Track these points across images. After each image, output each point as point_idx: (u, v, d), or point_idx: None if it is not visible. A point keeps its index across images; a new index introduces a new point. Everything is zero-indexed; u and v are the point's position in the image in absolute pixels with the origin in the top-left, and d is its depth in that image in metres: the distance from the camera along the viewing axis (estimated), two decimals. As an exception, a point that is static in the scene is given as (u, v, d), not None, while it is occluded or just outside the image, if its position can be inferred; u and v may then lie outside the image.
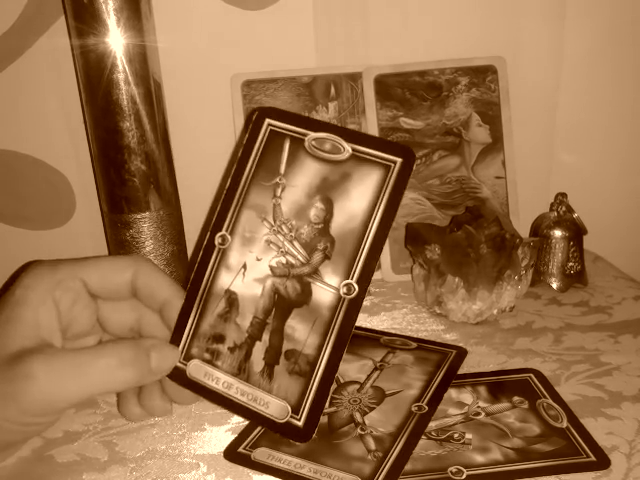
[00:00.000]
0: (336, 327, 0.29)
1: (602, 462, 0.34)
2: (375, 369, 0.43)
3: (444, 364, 0.44)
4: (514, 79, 0.60)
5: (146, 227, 0.48)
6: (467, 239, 0.49)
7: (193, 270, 0.33)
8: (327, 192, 0.30)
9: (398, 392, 0.40)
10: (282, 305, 0.30)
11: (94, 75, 0.45)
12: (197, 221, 0.58)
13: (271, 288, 0.31)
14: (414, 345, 0.47)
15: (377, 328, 0.50)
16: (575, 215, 0.56)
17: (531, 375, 0.42)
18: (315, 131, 0.30)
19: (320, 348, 0.30)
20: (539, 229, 0.56)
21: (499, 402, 0.39)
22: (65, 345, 0.31)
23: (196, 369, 0.32)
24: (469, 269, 0.48)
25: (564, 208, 0.56)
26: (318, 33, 0.57)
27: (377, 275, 0.59)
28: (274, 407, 0.31)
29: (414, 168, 0.29)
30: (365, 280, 0.29)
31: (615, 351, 0.45)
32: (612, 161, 0.65)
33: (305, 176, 0.30)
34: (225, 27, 0.56)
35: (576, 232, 0.55)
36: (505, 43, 0.60)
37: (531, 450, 0.35)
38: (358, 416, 0.38)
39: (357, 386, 0.41)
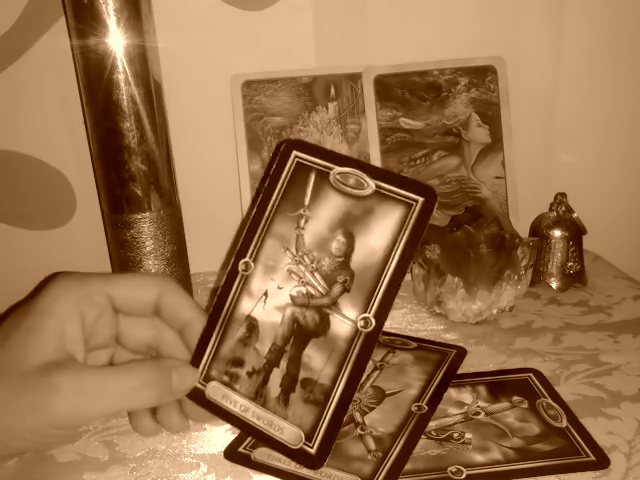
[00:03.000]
0: (352, 359, 0.30)
1: (602, 462, 0.34)
2: (375, 369, 0.43)
3: (444, 364, 0.44)
4: (514, 79, 0.60)
5: (146, 227, 0.48)
6: (467, 239, 0.49)
7: (216, 294, 0.34)
8: (349, 226, 0.31)
9: (398, 392, 0.40)
10: (300, 334, 0.31)
11: (94, 75, 0.45)
12: (197, 221, 0.58)
13: (290, 317, 0.31)
14: (414, 345, 0.47)
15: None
16: (574, 215, 0.56)
17: (531, 375, 0.42)
18: (340, 165, 0.31)
19: (335, 379, 0.30)
20: (539, 229, 0.56)
21: (499, 402, 0.39)
22: (85, 356, 0.31)
23: (214, 390, 0.33)
24: (469, 269, 0.49)
25: (563, 208, 0.56)
26: (318, 33, 0.57)
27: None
28: (288, 433, 0.31)
29: (435, 208, 0.30)
30: (382, 315, 0.30)
31: (615, 351, 0.45)
32: (612, 161, 0.65)
33: (328, 209, 0.31)
34: (225, 27, 0.56)
35: (575, 232, 0.56)
36: (505, 43, 0.60)
37: (531, 450, 0.35)
38: (358, 416, 0.38)
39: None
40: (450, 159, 0.60)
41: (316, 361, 0.31)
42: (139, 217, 0.48)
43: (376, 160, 0.59)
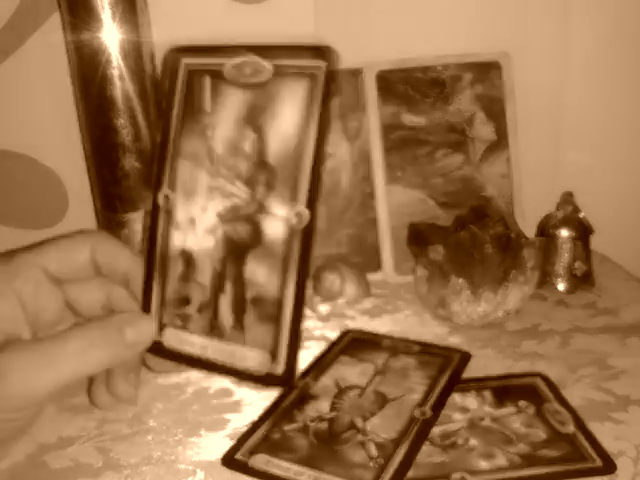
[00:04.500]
0: (294, 261, 0.28)
1: (608, 467, 0.33)
2: (377, 373, 0.43)
3: (448, 368, 0.43)
4: (519, 75, 0.59)
5: (140, 226, 0.48)
6: (471, 239, 0.48)
7: (145, 237, 0.31)
8: (257, 119, 0.28)
9: (400, 397, 0.40)
10: (237, 251, 0.29)
11: (88, 71, 0.45)
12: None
13: (222, 236, 0.29)
14: (417, 349, 0.46)
15: (379, 331, 0.49)
16: (582, 215, 0.55)
17: (537, 379, 0.42)
18: (232, 57, 0.28)
19: (283, 287, 0.28)
20: (545, 229, 0.56)
21: (504, 407, 0.39)
22: (39, 335, 0.30)
23: (171, 337, 0.31)
24: (474, 270, 0.48)
25: (571, 207, 0.55)
26: (319, 28, 0.57)
27: (379, 276, 0.59)
28: (252, 359, 0.29)
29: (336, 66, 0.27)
30: (313, 202, 0.27)
31: (623, 354, 0.45)
32: (620, 159, 0.65)
33: (232, 109, 0.28)
34: (224, 21, 0.55)
35: (583, 232, 0.55)
36: (510, 38, 0.59)
37: (537, 456, 0.34)
38: (359, 422, 0.37)
39: (358, 391, 0.41)
40: (454, 157, 0.59)
41: (259, 274, 0.28)
42: (133, 216, 0.47)
43: (378, 158, 0.58)
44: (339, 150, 0.59)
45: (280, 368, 0.28)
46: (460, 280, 0.49)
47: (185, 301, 0.30)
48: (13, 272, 0.30)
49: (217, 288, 0.30)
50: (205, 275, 0.30)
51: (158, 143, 0.30)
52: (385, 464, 0.34)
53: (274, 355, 0.29)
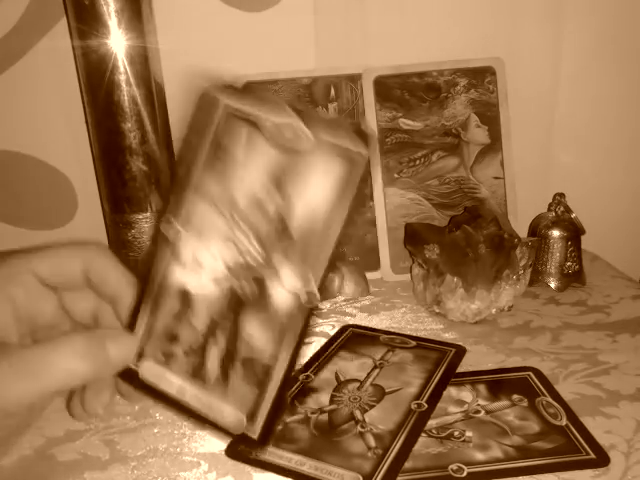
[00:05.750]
0: (294, 335, 0.27)
1: (601, 460, 0.34)
2: (375, 367, 0.43)
3: (443, 362, 0.44)
4: (512, 80, 0.60)
5: (147, 227, 0.48)
6: (466, 239, 0.49)
7: (146, 261, 0.30)
8: (287, 185, 0.27)
9: (398, 390, 0.40)
10: (238, 308, 0.28)
11: (95, 76, 0.45)
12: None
13: (228, 289, 0.28)
14: (413, 343, 0.47)
15: (376, 327, 0.50)
16: (573, 215, 0.56)
17: (530, 373, 0.42)
18: (277, 115, 0.27)
19: (276, 356, 0.28)
20: (537, 229, 0.56)
21: (499, 400, 0.39)
22: (34, 337, 0.30)
23: (149, 370, 0.29)
24: (468, 269, 0.49)
25: (562, 208, 0.56)
26: (318, 35, 0.58)
27: (376, 274, 0.60)
28: (229, 415, 0.28)
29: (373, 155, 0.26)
30: (323, 286, 0.27)
31: (613, 350, 0.45)
32: (610, 161, 0.66)
33: (264, 166, 0.27)
34: (226, 29, 0.56)
35: (574, 232, 0.56)
36: (503, 44, 0.60)
37: (531, 448, 0.35)
38: (358, 414, 0.38)
39: (357, 384, 0.42)
40: (449, 159, 0.60)
41: (256, 337, 0.28)
42: (140, 217, 0.48)
43: (375, 161, 0.59)
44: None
45: (256, 432, 0.27)
46: (455, 278, 0.49)
47: (173, 339, 0.29)
48: (5, 276, 0.29)
49: (210, 337, 0.29)
50: (200, 320, 0.29)
51: (179, 175, 0.29)
52: (383, 454, 0.34)
53: (252, 418, 0.28)
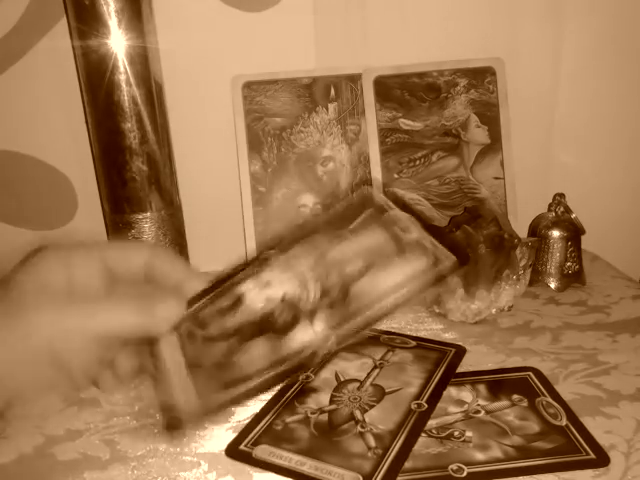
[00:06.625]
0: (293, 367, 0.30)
1: (601, 460, 0.34)
2: (375, 367, 0.44)
3: (443, 362, 0.44)
4: (512, 80, 0.60)
5: (147, 227, 0.48)
6: (466, 239, 0.49)
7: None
8: (374, 258, 0.31)
9: (398, 390, 0.41)
10: (263, 329, 0.31)
11: (95, 76, 0.45)
12: (198, 221, 0.59)
13: (269, 310, 0.31)
14: (413, 343, 0.47)
15: (377, 327, 0.50)
16: (573, 215, 0.56)
17: (530, 373, 0.42)
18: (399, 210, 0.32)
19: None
20: (537, 229, 0.56)
21: (499, 400, 0.39)
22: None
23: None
24: (468, 269, 0.49)
25: (562, 208, 0.56)
26: (318, 35, 0.58)
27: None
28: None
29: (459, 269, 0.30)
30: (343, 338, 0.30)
31: (613, 350, 0.46)
32: (610, 161, 0.66)
33: (366, 238, 0.31)
34: (226, 29, 0.56)
35: (574, 232, 0.56)
36: (503, 45, 0.60)
37: (531, 448, 0.35)
38: (358, 414, 0.38)
39: (357, 384, 0.42)
40: (449, 160, 0.60)
41: (249, 353, 0.30)
42: (140, 217, 0.48)
43: (375, 160, 0.59)
44: (338, 153, 0.60)
45: None
46: (455, 279, 0.49)
47: (204, 324, 0.32)
48: (72, 259, 0.31)
49: (229, 339, 0.31)
50: (231, 322, 0.32)
51: (306, 222, 0.33)
52: (383, 454, 0.34)
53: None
